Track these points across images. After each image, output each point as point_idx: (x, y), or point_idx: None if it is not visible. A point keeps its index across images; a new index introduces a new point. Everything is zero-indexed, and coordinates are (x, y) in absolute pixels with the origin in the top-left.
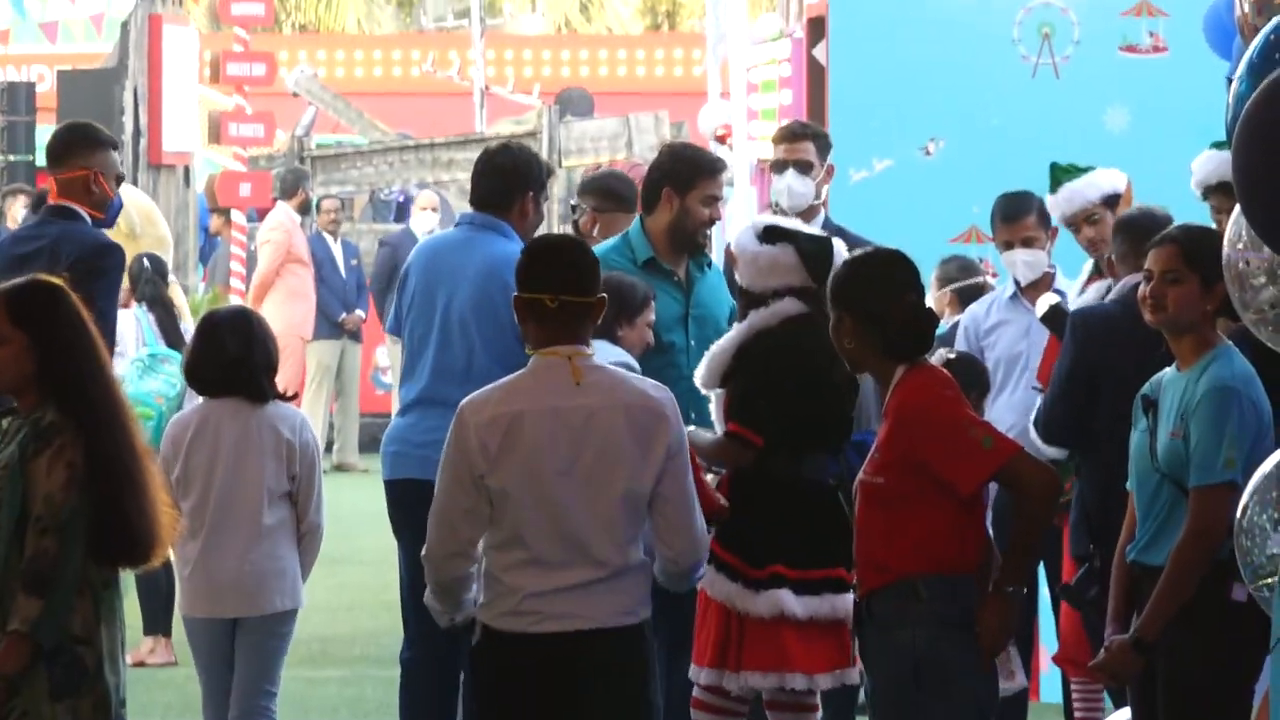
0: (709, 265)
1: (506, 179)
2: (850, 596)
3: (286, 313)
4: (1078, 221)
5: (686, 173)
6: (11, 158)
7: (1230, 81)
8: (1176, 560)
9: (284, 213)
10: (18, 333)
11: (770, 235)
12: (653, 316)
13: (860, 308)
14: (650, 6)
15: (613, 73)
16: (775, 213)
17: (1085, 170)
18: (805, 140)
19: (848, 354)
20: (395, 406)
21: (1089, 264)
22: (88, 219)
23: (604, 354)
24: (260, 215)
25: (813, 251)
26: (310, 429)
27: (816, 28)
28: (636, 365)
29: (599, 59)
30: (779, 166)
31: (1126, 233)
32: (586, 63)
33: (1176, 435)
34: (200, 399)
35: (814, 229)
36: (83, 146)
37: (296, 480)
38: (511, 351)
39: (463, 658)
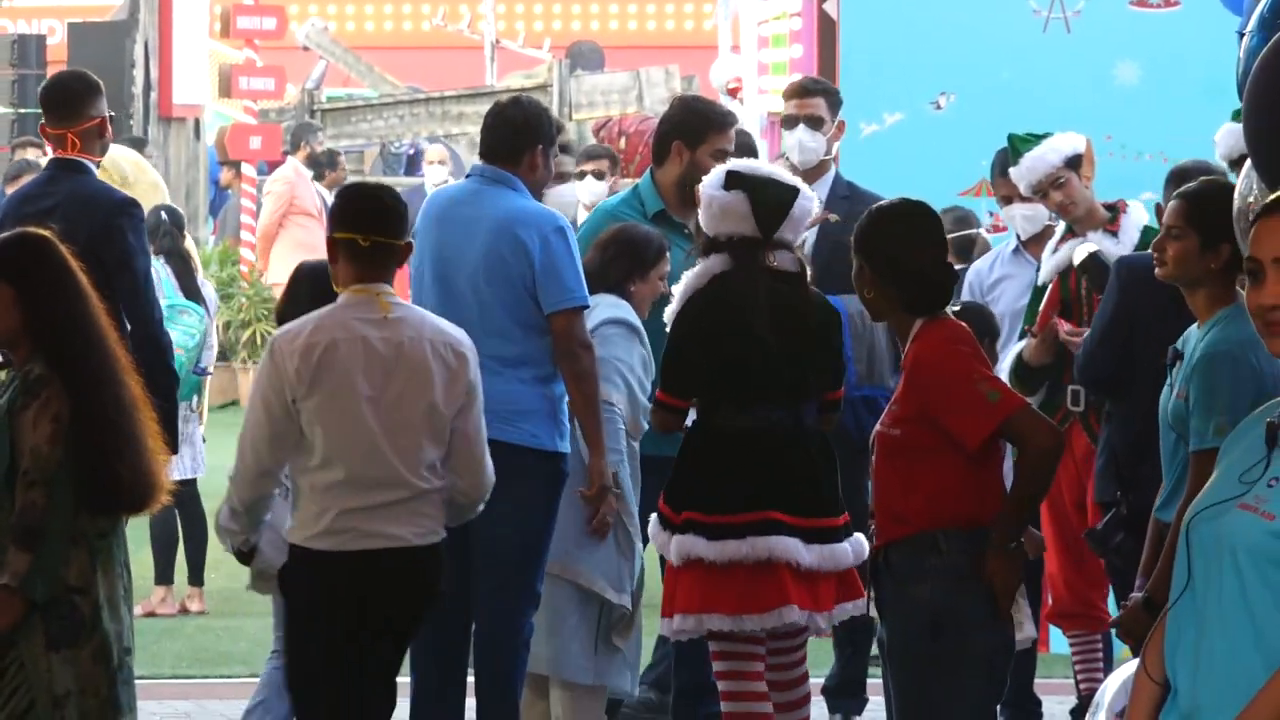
0: None
1: (517, 132)
2: (780, 539)
3: (292, 264)
4: (1044, 187)
5: (697, 126)
6: (22, 110)
7: (1241, 36)
8: (1178, 523)
9: (290, 166)
10: (4, 286)
11: (730, 181)
12: (667, 268)
13: (880, 258)
14: None
15: (623, 26)
16: (786, 167)
17: (1042, 137)
18: (816, 96)
19: (868, 303)
20: None
21: (1061, 225)
22: (94, 169)
23: (606, 310)
24: (271, 168)
25: (765, 201)
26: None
27: None
28: (638, 323)
29: (609, 13)
30: (790, 122)
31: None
32: (597, 16)
33: (1180, 396)
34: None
35: (787, 177)
36: (94, 94)
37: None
38: (522, 303)
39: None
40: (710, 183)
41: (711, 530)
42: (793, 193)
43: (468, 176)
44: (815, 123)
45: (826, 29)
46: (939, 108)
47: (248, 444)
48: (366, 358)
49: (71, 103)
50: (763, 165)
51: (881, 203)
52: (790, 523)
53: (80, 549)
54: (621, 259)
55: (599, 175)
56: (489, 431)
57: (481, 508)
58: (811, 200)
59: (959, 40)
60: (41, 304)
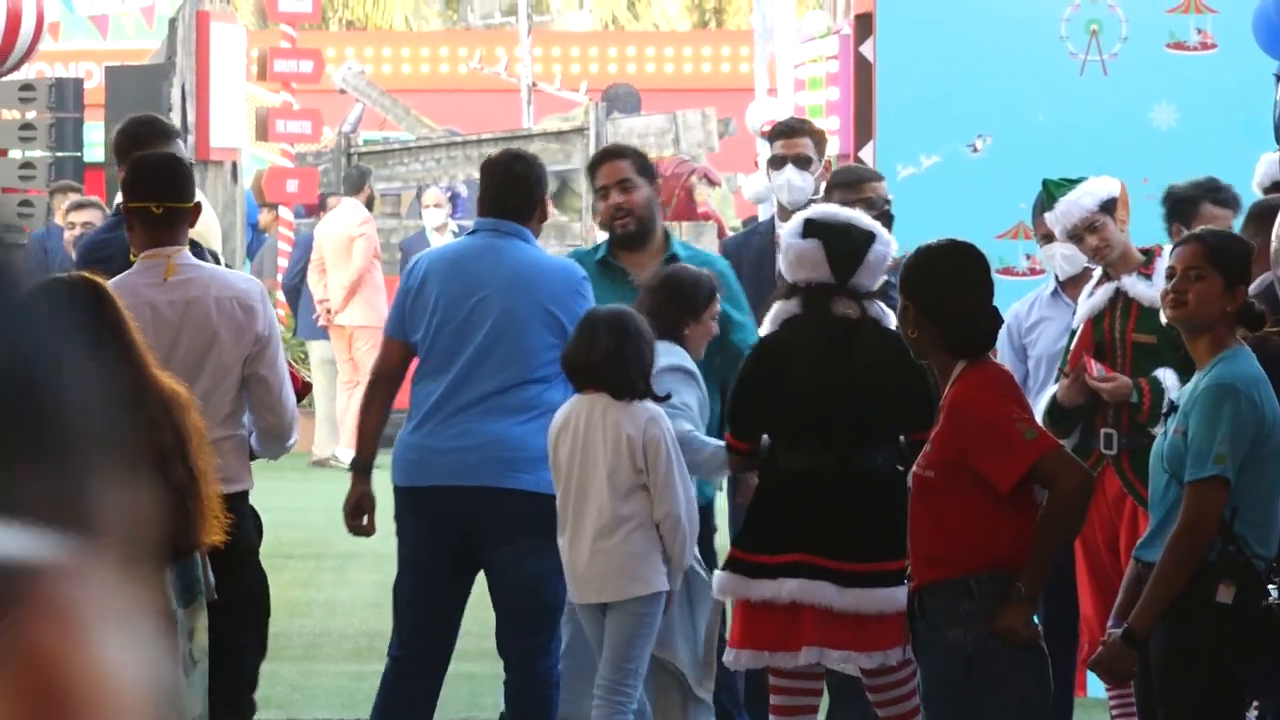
0: (674, 259)
1: (531, 188)
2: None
3: (378, 305)
4: (1079, 232)
5: (590, 169)
6: (59, 154)
7: (1278, 79)
8: (1167, 555)
9: (361, 208)
10: None
11: (807, 229)
12: (718, 308)
13: (923, 299)
14: (698, 3)
15: (660, 69)
16: (775, 208)
17: (1077, 182)
18: (803, 135)
19: (912, 343)
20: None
21: (1099, 269)
22: None
23: (661, 357)
24: (308, 211)
25: (839, 249)
26: (659, 424)
27: (864, 25)
28: (693, 366)
29: (646, 55)
30: (777, 162)
31: (1261, 221)
32: (634, 59)
33: (1178, 432)
34: None
35: (865, 223)
36: (157, 140)
37: (643, 474)
38: (536, 354)
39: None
40: (790, 230)
41: (750, 569)
42: (868, 239)
43: (473, 232)
44: (803, 162)
45: (863, 72)
46: (976, 150)
47: None
48: (154, 321)
49: (131, 147)
50: (841, 211)
51: (928, 243)
52: (823, 565)
53: None
54: (671, 304)
55: None
56: (499, 480)
57: (292, 442)
58: (888, 245)
59: (996, 83)
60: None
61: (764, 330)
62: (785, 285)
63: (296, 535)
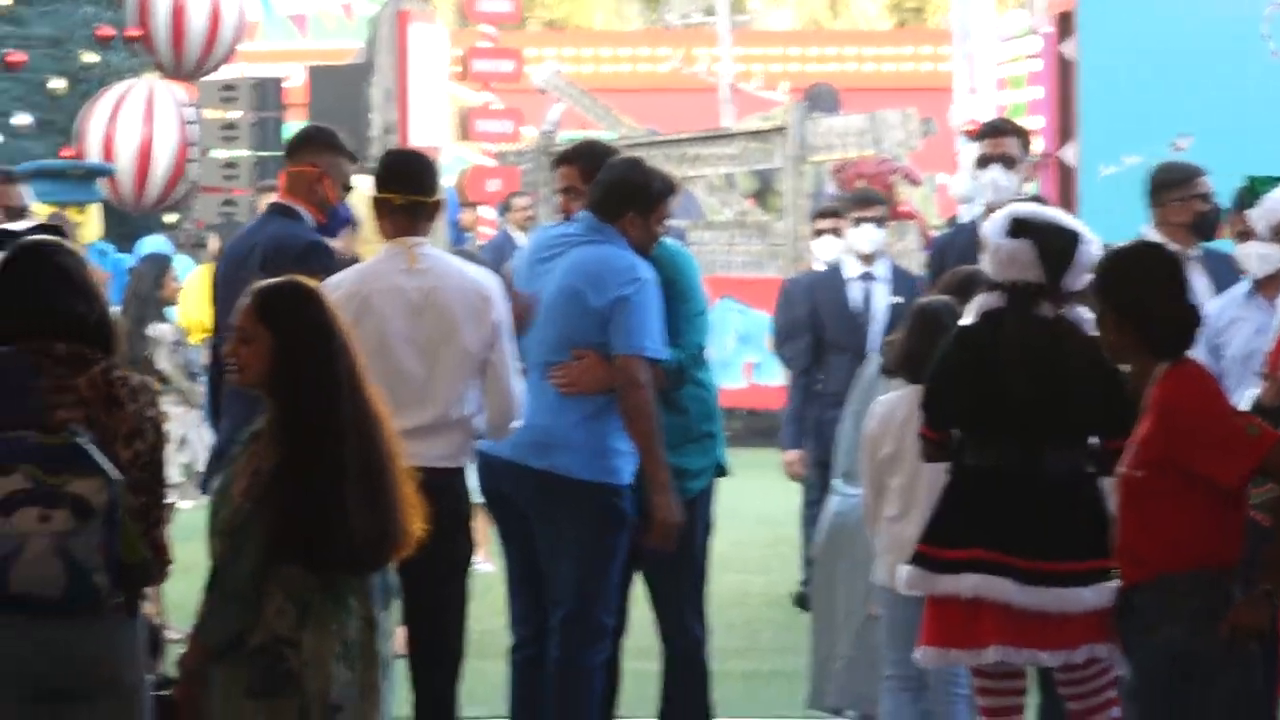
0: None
1: (623, 197)
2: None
3: None
4: None
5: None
6: (262, 153)
7: None
8: None
9: None
10: (265, 332)
11: (1015, 228)
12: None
13: (1119, 301)
14: (898, 3)
15: (860, 69)
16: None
17: None
18: (1009, 135)
19: (1109, 346)
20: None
21: None
22: (308, 219)
23: None
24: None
25: (1051, 249)
26: None
27: (1065, 24)
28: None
29: (846, 55)
30: (983, 161)
31: None
32: (834, 59)
33: None
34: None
35: (1067, 222)
36: (316, 145)
37: None
38: (577, 342)
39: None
40: (995, 229)
41: (934, 564)
42: (1075, 238)
43: (572, 221)
44: (1009, 162)
45: (1064, 71)
46: (1177, 149)
47: None
48: (401, 305)
49: (292, 145)
50: (1046, 210)
51: (1120, 246)
52: (1005, 563)
53: (289, 602)
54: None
55: (836, 234)
56: (532, 460)
57: (517, 424)
58: (1091, 244)
59: (1197, 81)
60: (291, 354)
61: (964, 322)
62: (989, 282)
63: None
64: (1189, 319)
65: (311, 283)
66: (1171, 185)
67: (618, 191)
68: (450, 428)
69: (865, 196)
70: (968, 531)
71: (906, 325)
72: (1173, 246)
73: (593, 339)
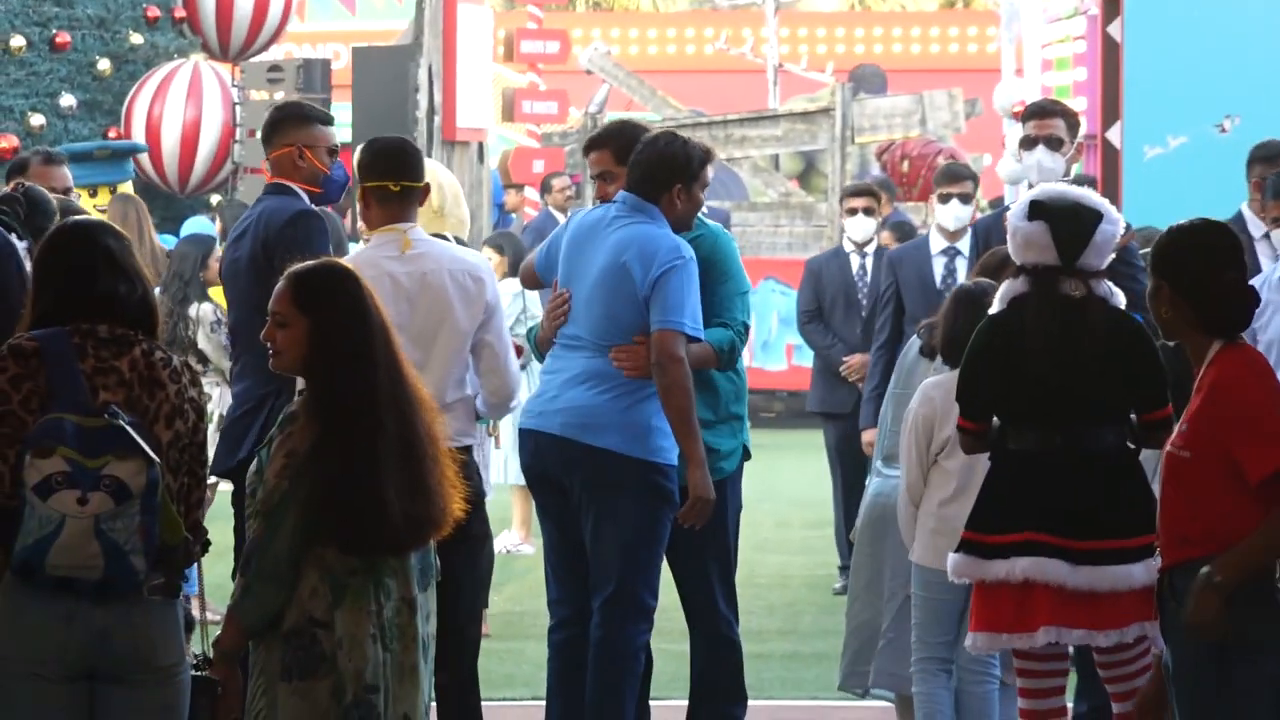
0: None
1: (669, 170)
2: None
3: None
4: None
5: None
6: None
7: None
8: None
9: None
10: (300, 316)
11: (1033, 211)
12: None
13: (1177, 278)
14: None
15: (906, 50)
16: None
17: None
18: (1055, 117)
19: (1163, 322)
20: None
21: None
22: (301, 194)
23: None
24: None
25: (1065, 231)
26: None
27: (1111, 5)
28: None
29: (892, 36)
30: (1028, 143)
31: None
32: (880, 40)
33: None
34: None
35: (1092, 201)
36: (288, 124)
37: None
38: (616, 321)
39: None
40: (1016, 212)
41: (983, 550)
42: (1096, 218)
43: (615, 201)
44: (1055, 143)
45: (1111, 52)
46: (1223, 130)
47: None
48: (394, 290)
49: (265, 133)
50: (1070, 191)
51: (1180, 223)
52: (1056, 544)
53: (324, 583)
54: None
55: (869, 212)
56: (584, 437)
57: (515, 404)
58: (1116, 224)
59: (1244, 63)
60: (323, 336)
61: (993, 310)
62: (1013, 265)
63: None
64: (1247, 299)
65: (347, 264)
66: (1266, 160)
67: (665, 167)
68: (447, 409)
69: (953, 172)
70: (1016, 516)
71: (947, 308)
72: (1260, 221)
73: (644, 318)
